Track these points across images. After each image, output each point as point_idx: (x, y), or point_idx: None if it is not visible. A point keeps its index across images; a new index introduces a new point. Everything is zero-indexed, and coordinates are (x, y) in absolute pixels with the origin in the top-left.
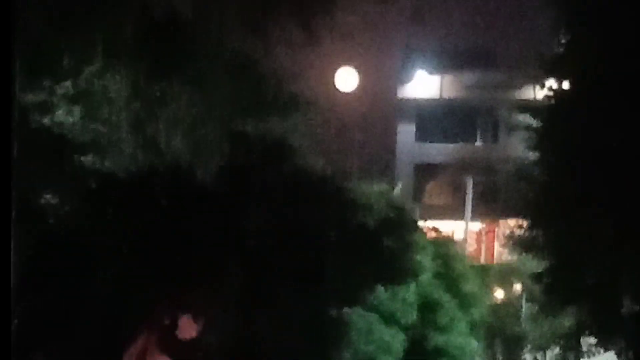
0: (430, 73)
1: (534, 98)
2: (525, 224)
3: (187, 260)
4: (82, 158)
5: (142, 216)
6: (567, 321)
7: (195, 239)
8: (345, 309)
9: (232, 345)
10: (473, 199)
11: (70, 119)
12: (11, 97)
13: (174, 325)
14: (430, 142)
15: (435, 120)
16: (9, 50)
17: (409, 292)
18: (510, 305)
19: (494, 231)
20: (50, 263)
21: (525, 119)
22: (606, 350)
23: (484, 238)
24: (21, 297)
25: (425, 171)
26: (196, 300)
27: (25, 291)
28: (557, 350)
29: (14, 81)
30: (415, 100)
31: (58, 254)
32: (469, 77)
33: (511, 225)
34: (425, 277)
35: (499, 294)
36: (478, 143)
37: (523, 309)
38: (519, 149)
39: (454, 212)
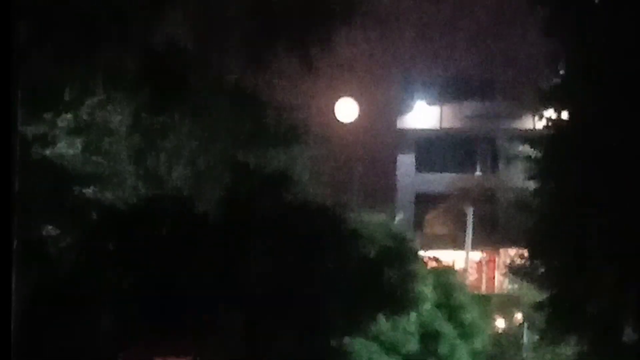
0: (430, 104)
1: (533, 128)
2: (525, 253)
3: (187, 291)
4: (84, 190)
5: (142, 247)
6: (568, 350)
7: (195, 270)
8: (347, 339)
9: None
10: (473, 228)
11: (72, 151)
12: (13, 129)
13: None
14: (431, 172)
15: (435, 150)
16: (11, 83)
17: (410, 322)
18: (511, 335)
19: (494, 260)
20: (51, 295)
21: (525, 149)
22: None
23: (484, 267)
24: (22, 329)
25: (425, 201)
26: (194, 342)
27: (27, 323)
28: None
29: (15, 114)
30: (415, 130)
31: (59, 285)
32: (469, 107)
33: (512, 254)
34: (426, 306)
35: (500, 323)
36: (478, 173)
37: (524, 338)
38: (518, 178)
39: (455, 241)
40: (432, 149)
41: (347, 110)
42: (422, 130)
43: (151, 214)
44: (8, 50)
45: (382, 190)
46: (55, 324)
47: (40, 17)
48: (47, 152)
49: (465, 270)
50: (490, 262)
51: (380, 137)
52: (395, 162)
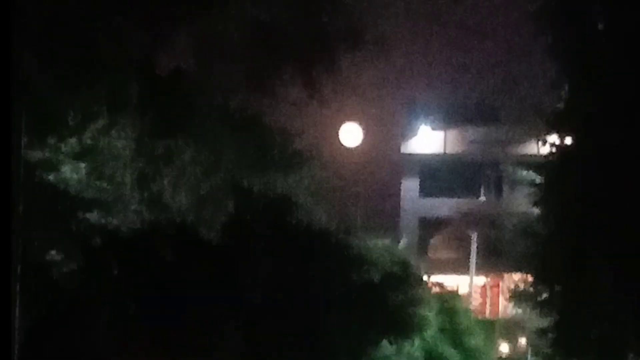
0: (434, 128)
1: (537, 153)
2: (529, 278)
3: (191, 316)
4: (87, 214)
5: (146, 272)
6: None
7: (198, 295)
8: None
9: None
10: (477, 253)
11: (76, 176)
12: (17, 153)
13: None
14: (435, 196)
15: (439, 175)
16: (15, 108)
17: (414, 347)
18: None
19: (498, 285)
20: (54, 319)
21: (528, 174)
22: None
23: (488, 292)
24: (26, 354)
25: (429, 226)
26: None
27: (30, 348)
28: None
29: (19, 138)
30: (419, 155)
31: (62, 310)
32: (473, 132)
33: (516, 279)
34: (431, 331)
35: (504, 348)
36: (482, 198)
37: None
38: (522, 203)
39: (459, 266)
40: (436, 174)
41: (351, 135)
42: (426, 155)
43: (155, 238)
44: (14, 75)
45: (386, 215)
46: (58, 349)
47: (43, 44)
48: (51, 176)
49: (469, 295)
50: (495, 286)
51: (385, 162)
52: (399, 186)
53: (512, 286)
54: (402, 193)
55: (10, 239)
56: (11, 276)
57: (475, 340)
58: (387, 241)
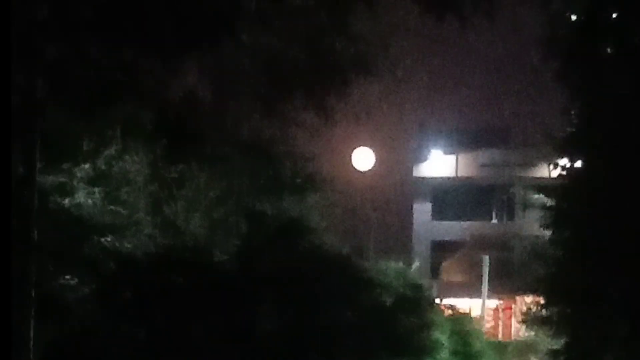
0: (446, 152)
1: (548, 176)
2: (541, 300)
3: (203, 341)
4: (102, 239)
5: (159, 296)
6: None
7: (210, 319)
8: None
9: None
10: (489, 276)
11: (90, 201)
12: (31, 179)
13: None
14: (447, 219)
15: (451, 198)
16: (29, 134)
17: None
18: None
19: (511, 308)
20: (68, 343)
21: (539, 197)
22: None
23: (501, 315)
24: None
25: (441, 249)
26: None
27: None
28: None
29: (34, 164)
30: (431, 179)
31: (76, 337)
32: (484, 156)
33: (528, 302)
34: (443, 354)
35: None
36: (494, 221)
37: None
38: (534, 226)
39: (471, 289)
40: (448, 197)
41: (364, 159)
42: (438, 178)
43: (168, 263)
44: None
45: (399, 238)
46: None
47: (57, 70)
48: (66, 202)
49: (481, 317)
50: (507, 309)
51: (397, 186)
52: (411, 210)
53: (524, 308)
54: (414, 216)
55: (25, 264)
56: (26, 300)
57: None
58: (399, 264)
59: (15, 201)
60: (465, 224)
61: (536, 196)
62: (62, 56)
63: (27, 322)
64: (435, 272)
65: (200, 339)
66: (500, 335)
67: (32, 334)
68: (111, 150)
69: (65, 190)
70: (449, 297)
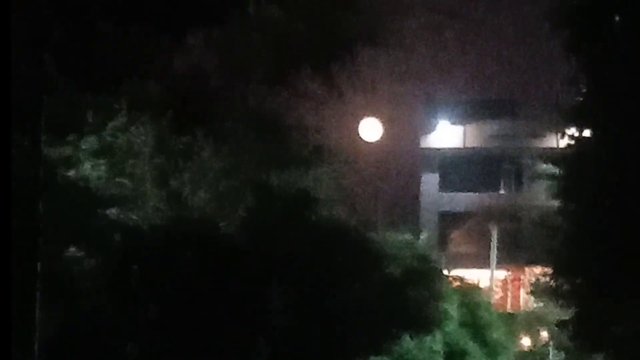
0: (453, 123)
1: (556, 146)
2: (550, 271)
3: (210, 314)
4: (107, 211)
5: (165, 268)
6: None
7: (218, 292)
8: (372, 359)
9: None
10: (498, 247)
11: (96, 173)
12: (37, 152)
13: None
14: (455, 191)
15: (459, 169)
16: (37, 105)
17: (436, 341)
18: (537, 353)
19: (519, 279)
20: (75, 315)
21: (547, 167)
22: None
23: (509, 286)
24: (48, 353)
25: (449, 220)
26: None
27: (50, 343)
28: None
29: (40, 136)
30: (438, 149)
31: (83, 307)
32: (492, 126)
33: (537, 272)
34: (452, 325)
35: (526, 341)
36: (502, 191)
37: (550, 357)
38: (542, 197)
39: (479, 260)
40: (456, 168)
41: (371, 130)
42: (446, 149)
43: (174, 235)
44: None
45: (406, 210)
46: (78, 345)
47: (64, 44)
48: (71, 174)
49: (490, 288)
50: (515, 280)
51: (405, 157)
52: (419, 181)
53: (533, 279)
54: (422, 187)
55: (31, 236)
56: (32, 273)
57: (496, 334)
58: (407, 236)
59: (20, 174)
60: (473, 195)
61: (544, 166)
62: (70, 31)
63: (32, 296)
64: (443, 243)
65: (208, 308)
66: (508, 307)
67: (38, 307)
68: (117, 122)
69: (71, 162)
70: (457, 268)
